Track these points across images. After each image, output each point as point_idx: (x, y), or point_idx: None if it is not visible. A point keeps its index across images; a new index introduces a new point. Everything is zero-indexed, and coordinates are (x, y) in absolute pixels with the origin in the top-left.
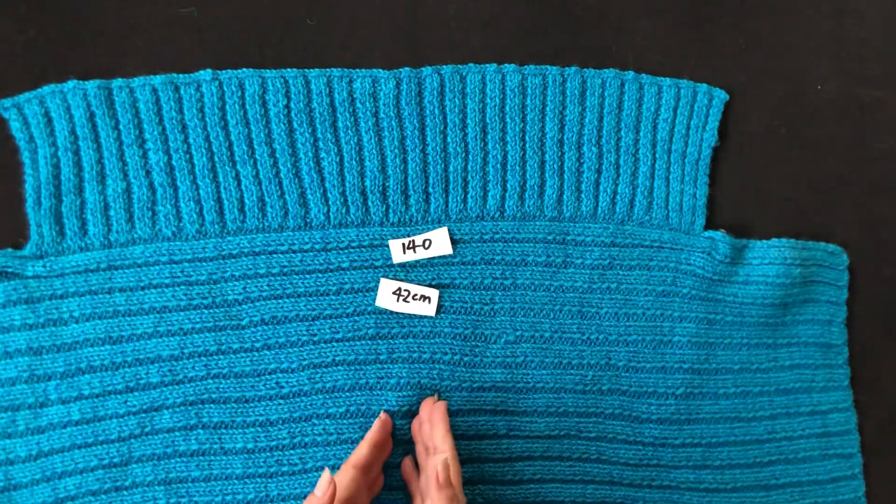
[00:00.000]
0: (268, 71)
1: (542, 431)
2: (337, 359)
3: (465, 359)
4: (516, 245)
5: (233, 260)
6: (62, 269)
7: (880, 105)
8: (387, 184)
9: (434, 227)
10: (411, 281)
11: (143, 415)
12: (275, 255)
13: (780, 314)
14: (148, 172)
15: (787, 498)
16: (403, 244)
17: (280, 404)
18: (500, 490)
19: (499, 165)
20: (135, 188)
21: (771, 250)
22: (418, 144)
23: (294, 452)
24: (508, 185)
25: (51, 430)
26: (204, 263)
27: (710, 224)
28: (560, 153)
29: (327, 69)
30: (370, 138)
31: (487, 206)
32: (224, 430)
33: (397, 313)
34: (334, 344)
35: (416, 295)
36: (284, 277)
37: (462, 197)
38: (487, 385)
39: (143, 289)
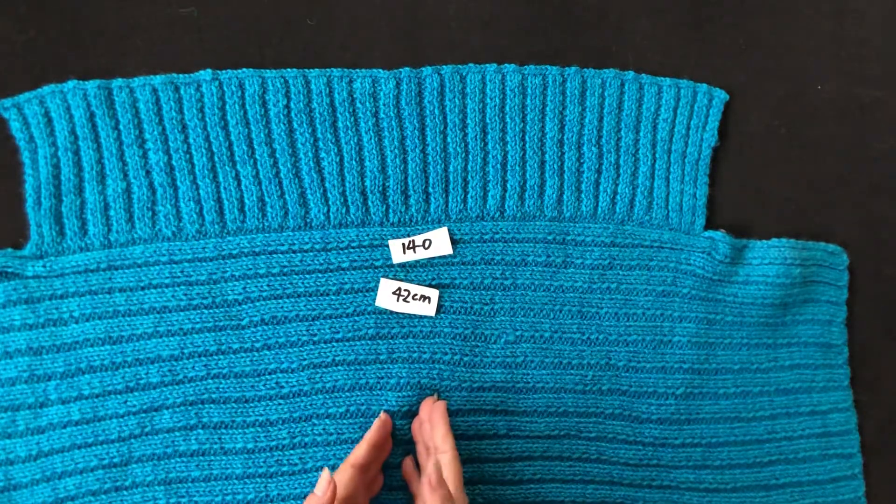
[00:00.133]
0: (268, 71)
1: (542, 431)
2: (337, 359)
3: (465, 359)
4: (516, 245)
5: (233, 260)
6: (62, 269)
7: (880, 105)
8: (387, 184)
9: (434, 227)
10: (411, 281)
11: (143, 415)
12: (275, 255)
13: (780, 314)
14: (148, 172)
15: (787, 498)
16: (403, 244)
17: (280, 404)
18: (500, 490)
19: (499, 165)
20: (135, 188)
21: (771, 250)
22: (418, 144)
23: (294, 452)
24: (508, 185)
25: (51, 430)
26: (204, 263)
27: (710, 224)
28: (560, 153)
29: (327, 69)
30: (370, 138)
31: (487, 206)
32: (224, 430)
33: (397, 313)
34: (334, 344)
35: (416, 295)
36: (284, 277)
37: (462, 197)
38: (487, 385)
39: (143, 289)
